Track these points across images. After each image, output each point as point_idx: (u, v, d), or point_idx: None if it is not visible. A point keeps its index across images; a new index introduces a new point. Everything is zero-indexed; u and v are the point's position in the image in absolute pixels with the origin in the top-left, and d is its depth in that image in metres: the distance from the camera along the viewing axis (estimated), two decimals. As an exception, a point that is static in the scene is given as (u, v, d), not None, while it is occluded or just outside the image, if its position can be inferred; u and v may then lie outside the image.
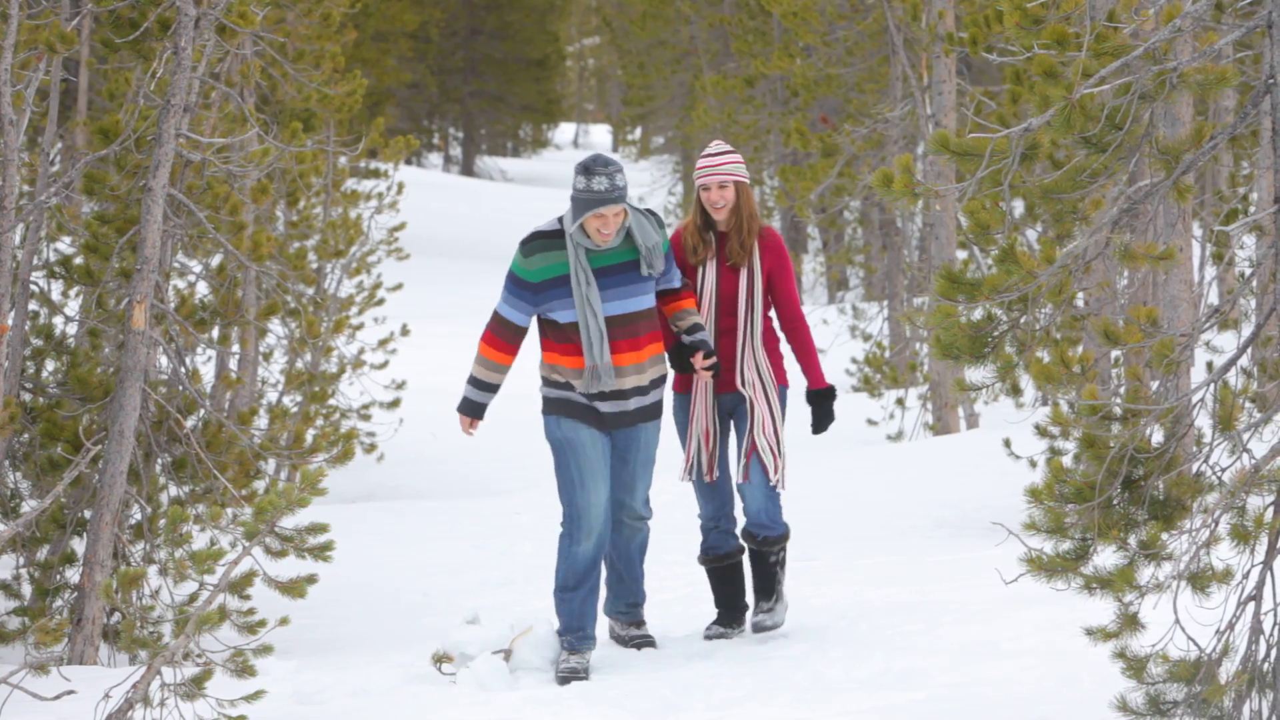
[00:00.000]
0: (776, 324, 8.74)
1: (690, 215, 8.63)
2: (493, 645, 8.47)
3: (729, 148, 8.55)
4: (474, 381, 8.41)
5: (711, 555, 8.82)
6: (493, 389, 8.43)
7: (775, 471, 8.51)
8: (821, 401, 8.64)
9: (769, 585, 8.77)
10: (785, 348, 8.76)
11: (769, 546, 8.68)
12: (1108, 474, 6.42)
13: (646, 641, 8.79)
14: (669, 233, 8.48)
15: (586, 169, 8.05)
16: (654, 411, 8.43)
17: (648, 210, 8.26)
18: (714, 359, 8.41)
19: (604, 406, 8.26)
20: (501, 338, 8.33)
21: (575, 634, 8.40)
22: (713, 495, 8.76)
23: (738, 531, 8.80)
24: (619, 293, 8.19)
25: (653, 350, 8.34)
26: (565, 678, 8.30)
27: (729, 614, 8.90)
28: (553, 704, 7.99)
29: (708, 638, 8.90)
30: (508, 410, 11.11)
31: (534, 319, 8.37)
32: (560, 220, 8.21)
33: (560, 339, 8.25)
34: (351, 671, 8.84)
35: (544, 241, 8.19)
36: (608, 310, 8.18)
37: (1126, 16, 6.81)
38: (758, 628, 8.76)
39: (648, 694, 8.08)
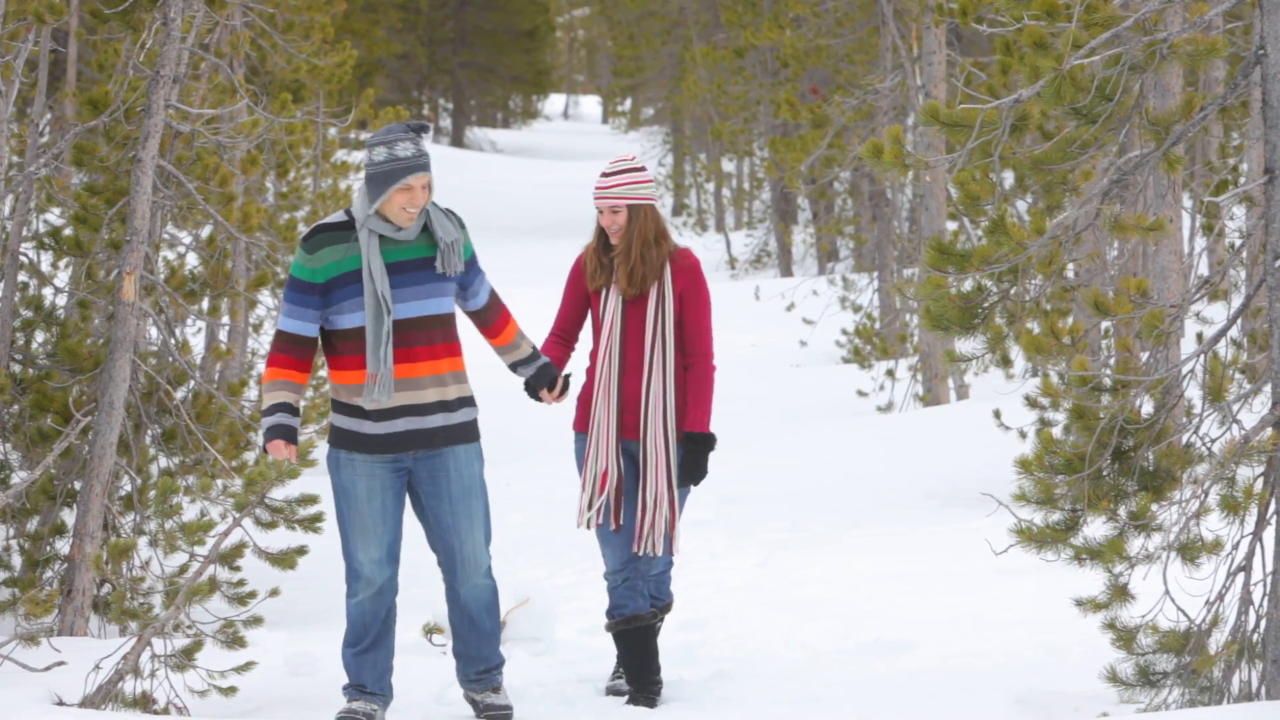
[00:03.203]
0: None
1: (594, 236, 7.61)
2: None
3: (627, 165, 7.50)
4: (273, 409, 7.01)
5: (618, 617, 7.64)
6: (296, 412, 7.06)
7: (655, 541, 7.50)
8: (695, 448, 7.49)
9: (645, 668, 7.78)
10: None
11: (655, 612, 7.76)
12: (1097, 445, 6.43)
13: (501, 714, 7.39)
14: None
15: (386, 138, 6.91)
16: (462, 434, 7.15)
17: (448, 210, 7.11)
18: (563, 382, 7.42)
19: (400, 425, 7.03)
20: (292, 355, 7.03)
21: (353, 688, 7.32)
22: (618, 545, 7.59)
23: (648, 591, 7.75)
24: (415, 292, 6.98)
25: (453, 365, 7.12)
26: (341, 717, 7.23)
27: (641, 688, 7.73)
28: (542, 675, 8.01)
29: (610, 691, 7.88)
30: (488, 381, 11.06)
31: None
32: (347, 212, 7.03)
33: (348, 349, 7.02)
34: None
35: (330, 234, 6.96)
36: (401, 312, 6.97)
37: (1117, -13, 6.80)
38: (616, 690, 7.80)
39: (638, 665, 8.10)
